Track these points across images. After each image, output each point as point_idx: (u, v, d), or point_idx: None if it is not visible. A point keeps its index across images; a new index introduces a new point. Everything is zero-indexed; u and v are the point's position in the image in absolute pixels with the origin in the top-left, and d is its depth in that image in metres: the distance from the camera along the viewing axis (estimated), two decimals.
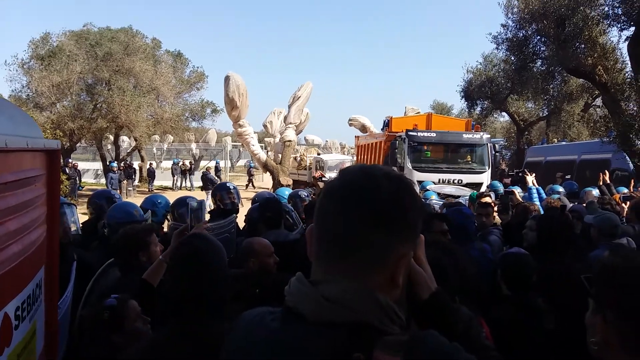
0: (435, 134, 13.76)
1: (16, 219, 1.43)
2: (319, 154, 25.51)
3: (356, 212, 0.83)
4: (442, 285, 1.03)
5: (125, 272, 2.74)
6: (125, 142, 31.67)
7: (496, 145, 13.30)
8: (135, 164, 25.10)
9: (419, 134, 13.63)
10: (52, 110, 19.66)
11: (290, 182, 18.56)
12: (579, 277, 1.28)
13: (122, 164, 21.92)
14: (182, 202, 4.07)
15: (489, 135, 13.87)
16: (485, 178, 12.80)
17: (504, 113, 24.13)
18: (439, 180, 12.46)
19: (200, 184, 27.12)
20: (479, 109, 22.23)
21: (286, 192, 5.86)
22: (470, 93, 20.61)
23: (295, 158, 24.72)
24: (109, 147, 29.01)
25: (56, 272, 1.91)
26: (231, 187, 4.71)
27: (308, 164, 23.25)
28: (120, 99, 18.79)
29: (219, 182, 20.04)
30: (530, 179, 6.83)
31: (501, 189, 8.60)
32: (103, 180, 20.90)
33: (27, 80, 19.53)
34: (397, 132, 14.48)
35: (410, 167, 13.17)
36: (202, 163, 33.78)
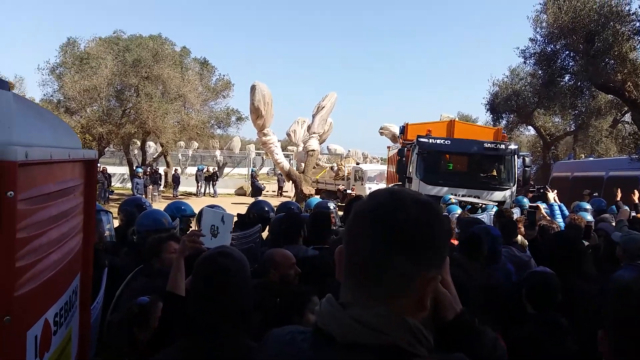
0: (450, 142, 11.98)
1: (57, 228, 1.48)
2: (357, 164, 25.50)
3: (384, 238, 0.84)
4: (463, 303, 1.04)
5: (151, 278, 2.81)
6: (152, 147, 32.21)
7: (527, 159, 11.69)
8: (161, 170, 25.49)
9: (431, 140, 11.94)
10: (82, 115, 20.13)
11: (313, 191, 18.61)
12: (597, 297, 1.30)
13: (148, 169, 22.27)
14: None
15: (516, 147, 11.90)
16: (507, 196, 11.06)
17: (530, 127, 23.78)
18: (452, 195, 10.69)
19: (230, 190, 27.72)
20: (504, 122, 21.91)
21: (316, 202, 5.87)
22: (495, 106, 20.38)
23: (332, 168, 24.76)
24: (136, 152, 29.53)
25: (90, 279, 1.97)
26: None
27: (346, 174, 23.21)
28: (148, 105, 19.13)
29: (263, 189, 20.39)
30: (552, 195, 6.72)
31: (527, 204, 8.48)
32: (129, 185, 21.29)
33: (58, 85, 20.06)
34: (413, 140, 12.89)
35: (418, 179, 11.66)
36: (226, 170, 34.18)
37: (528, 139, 29.90)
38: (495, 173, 12.03)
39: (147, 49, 19.96)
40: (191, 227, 4.33)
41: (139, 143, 26.83)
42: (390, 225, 0.85)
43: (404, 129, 14.41)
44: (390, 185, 9.07)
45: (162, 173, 25.12)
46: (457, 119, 14.11)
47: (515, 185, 11.44)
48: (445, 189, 11.06)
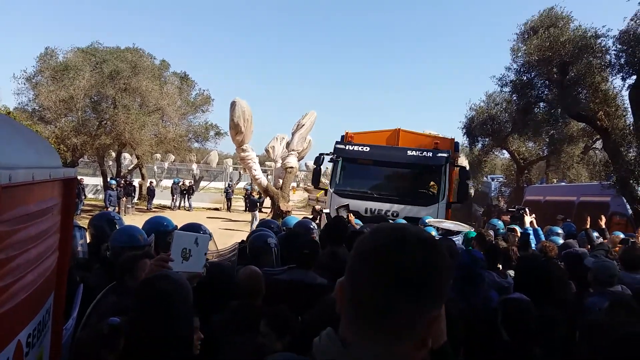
0: (368, 149, 10.50)
1: (34, 248, 1.47)
2: None
3: (387, 280, 0.84)
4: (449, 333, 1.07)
5: (123, 297, 2.77)
6: (127, 159, 31.78)
7: (466, 171, 9.93)
8: (136, 182, 25.13)
9: (349, 147, 10.64)
10: (57, 125, 19.78)
11: (290, 209, 18.57)
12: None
13: (122, 181, 21.94)
14: (190, 228, 4.06)
15: (446, 155, 9.97)
16: (433, 212, 9.34)
17: (504, 151, 24.33)
18: (366, 210, 9.59)
19: (206, 204, 27.43)
20: (479, 145, 22.42)
21: (294, 221, 5.81)
22: (472, 129, 20.83)
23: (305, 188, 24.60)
24: (111, 163, 29.09)
25: (64, 298, 1.94)
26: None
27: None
28: (125, 117, 18.94)
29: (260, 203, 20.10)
30: (529, 219, 6.78)
31: (501, 226, 8.59)
32: (102, 196, 20.90)
33: (34, 94, 19.72)
34: None
35: (332, 191, 10.42)
36: (202, 184, 33.89)
37: (502, 163, 30.49)
38: (419, 185, 10.55)
39: (126, 61, 19.84)
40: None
41: (114, 154, 26.46)
42: (394, 268, 0.84)
43: (343, 138, 12.50)
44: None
45: (137, 185, 24.76)
46: (402, 129, 12.13)
47: (446, 201, 9.71)
48: (362, 202, 9.74)
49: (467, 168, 16.36)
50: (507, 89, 14.50)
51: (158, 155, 29.36)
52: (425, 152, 10.13)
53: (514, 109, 15.43)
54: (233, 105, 16.36)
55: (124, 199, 21.12)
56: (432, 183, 10.05)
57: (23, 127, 1.81)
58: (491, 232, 7.83)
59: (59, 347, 1.95)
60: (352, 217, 6.74)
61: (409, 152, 10.13)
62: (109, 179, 21.96)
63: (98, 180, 27.69)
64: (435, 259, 0.87)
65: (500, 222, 8.98)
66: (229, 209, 26.44)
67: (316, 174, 11.09)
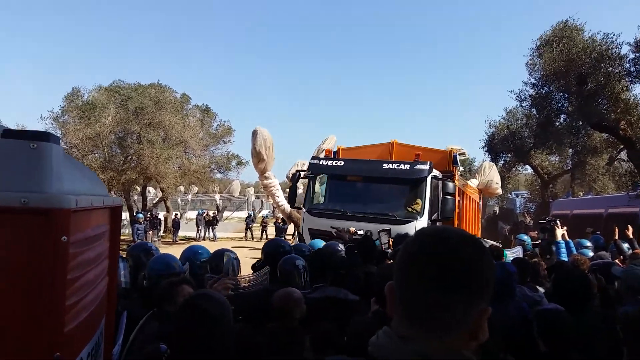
0: (342, 163, 9.73)
1: (92, 271, 1.57)
2: None
3: (436, 277, 0.89)
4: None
5: (164, 323, 2.85)
6: (152, 192, 32.34)
7: (449, 184, 8.86)
8: (161, 215, 25.51)
9: (322, 162, 9.90)
10: (85, 162, 20.33)
11: None
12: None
13: (148, 215, 22.31)
14: (220, 254, 4.18)
15: (425, 167, 8.97)
16: (412, 229, 8.15)
17: (527, 166, 24.09)
18: (337, 230, 8.63)
19: (230, 234, 27.68)
20: (502, 161, 22.26)
21: (321, 243, 5.88)
22: (493, 146, 20.73)
23: None
24: (136, 197, 29.63)
25: (113, 322, 2.04)
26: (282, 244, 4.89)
27: None
28: (150, 151, 19.40)
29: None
30: (560, 232, 6.68)
31: (529, 241, 8.50)
32: (128, 230, 21.25)
33: (61, 133, 20.36)
34: None
35: (305, 210, 9.75)
36: (226, 213, 34.20)
37: (526, 178, 30.14)
38: (397, 200, 9.49)
39: (149, 97, 20.41)
40: (208, 272, 4.37)
41: (139, 189, 26.97)
42: (442, 267, 0.89)
43: (336, 155, 11.82)
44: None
45: (162, 218, 25.12)
46: (396, 141, 11.35)
47: (427, 218, 8.81)
48: (334, 221, 8.94)
49: (477, 185, 15.82)
50: (526, 104, 14.46)
51: (182, 188, 29.84)
52: (402, 165, 9.25)
53: (535, 123, 15.33)
54: (254, 134, 16.63)
55: (151, 232, 21.43)
56: (416, 199, 9.07)
57: (74, 159, 1.94)
58: (519, 248, 7.79)
59: None
60: (392, 242, 6.62)
61: (385, 166, 9.32)
62: (135, 213, 22.34)
63: (125, 215, 28.19)
64: (480, 254, 0.92)
65: (527, 237, 8.88)
66: (251, 237, 26.58)
67: (292, 192, 10.33)
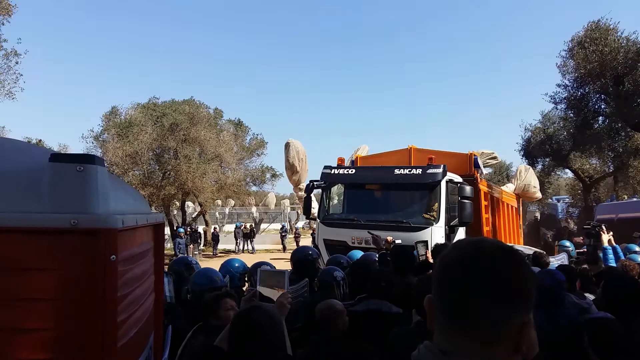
0: (354, 171, 9.58)
1: (140, 287, 1.61)
2: None
3: (474, 288, 0.89)
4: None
5: (210, 336, 2.89)
6: (190, 207, 32.98)
7: (466, 188, 8.42)
8: (200, 228, 25.97)
9: (334, 171, 9.56)
10: (125, 179, 20.96)
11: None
12: None
13: (187, 229, 22.74)
14: (257, 267, 4.22)
15: (438, 171, 8.65)
16: (428, 235, 8.15)
17: (567, 170, 23.38)
18: (352, 239, 8.61)
19: (267, 246, 27.95)
20: (540, 166, 21.70)
21: (358, 255, 5.86)
22: (530, 151, 20.25)
23: None
24: (175, 212, 30.29)
25: (161, 337, 2.08)
26: (309, 252, 4.91)
27: None
28: (187, 166, 19.82)
29: None
30: (607, 237, 6.43)
31: (572, 247, 8.22)
32: (169, 245, 21.70)
33: (102, 152, 21.07)
34: None
35: (319, 221, 9.49)
36: (263, 226, 34.54)
37: (567, 182, 29.29)
38: (411, 207, 9.20)
39: (184, 113, 20.90)
40: (246, 284, 4.43)
41: (178, 204, 27.55)
42: (480, 276, 0.89)
43: (354, 163, 11.61)
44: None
45: (202, 232, 25.57)
46: (414, 146, 11.00)
47: (444, 224, 8.51)
48: (348, 231, 8.80)
49: (514, 190, 15.22)
50: (561, 106, 14.13)
51: (219, 201, 30.33)
52: (414, 170, 8.91)
53: (572, 125, 14.93)
54: (287, 146, 16.82)
55: (191, 245, 21.81)
56: (431, 204, 8.77)
57: (117, 178, 2.00)
58: (564, 255, 7.53)
59: None
60: (429, 253, 6.50)
61: (397, 171, 8.95)
62: (176, 228, 22.82)
63: (165, 230, 28.78)
64: (518, 264, 0.91)
65: (569, 243, 8.57)
66: (283, 249, 26.69)
67: (306, 203, 10.08)
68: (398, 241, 7.82)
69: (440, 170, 8.62)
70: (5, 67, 11.97)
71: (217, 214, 34.23)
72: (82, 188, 1.20)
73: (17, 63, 12.07)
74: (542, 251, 6.85)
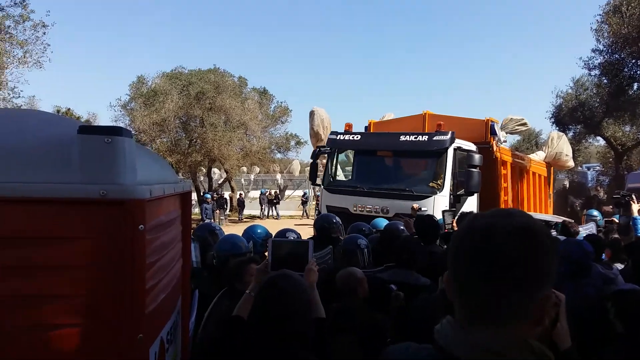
0: (359, 137, 9.32)
1: (167, 254, 1.66)
2: None
3: (488, 272, 0.87)
4: None
5: (233, 300, 2.97)
6: (217, 173, 33.39)
7: (474, 156, 8.21)
8: (226, 194, 26.38)
9: (340, 137, 9.42)
10: (152, 146, 21.31)
11: None
12: None
13: (214, 195, 23.12)
14: (282, 234, 4.27)
15: (445, 137, 8.33)
16: (429, 206, 7.98)
17: (598, 138, 22.72)
18: (354, 206, 8.56)
19: (292, 212, 28.35)
20: (571, 133, 21.14)
21: (383, 223, 5.86)
22: (561, 118, 19.71)
23: None
24: (202, 178, 30.75)
25: (189, 301, 2.15)
26: (334, 220, 4.92)
27: None
28: (213, 134, 20.05)
29: None
30: (637, 207, 6.26)
31: (600, 217, 8.06)
32: (197, 210, 22.14)
33: (129, 120, 21.40)
34: None
35: (323, 187, 9.40)
36: (287, 192, 34.85)
37: (598, 150, 28.47)
38: (415, 175, 9.04)
39: (209, 82, 20.97)
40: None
41: (204, 170, 27.95)
42: (492, 260, 0.86)
43: (367, 129, 11.43)
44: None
45: (228, 198, 25.96)
46: (429, 112, 10.54)
47: (449, 192, 8.28)
48: (351, 198, 8.69)
49: (544, 158, 14.61)
50: (595, 72, 13.61)
51: (244, 168, 30.63)
52: (420, 137, 8.65)
53: (605, 92, 14.40)
54: (312, 114, 16.75)
55: (218, 211, 22.20)
56: (436, 173, 8.50)
57: (147, 148, 2.04)
58: (592, 224, 7.39)
59: (187, 344, 2.16)
60: (455, 223, 6.45)
61: (402, 138, 8.71)
62: (202, 193, 23.23)
63: (192, 195, 29.32)
64: (532, 243, 0.87)
65: (597, 212, 8.40)
66: (306, 216, 26.89)
67: (312, 169, 9.92)
68: (424, 209, 7.81)
69: (448, 137, 8.35)
70: (34, 37, 12.15)
71: (242, 180, 34.58)
72: (111, 159, 1.22)
73: (44, 34, 12.23)
74: (571, 220, 6.74)
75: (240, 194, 27.42)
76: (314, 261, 2.54)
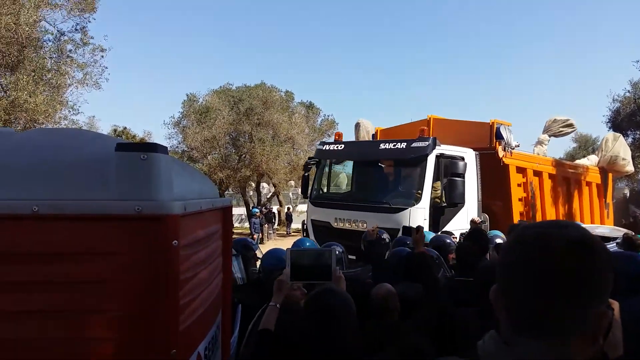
0: (343, 147, 8.79)
1: (205, 270, 1.67)
2: None
3: (542, 288, 0.84)
4: None
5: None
6: (265, 188, 33.91)
7: (458, 164, 7.69)
8: (274, 208, 26.69)
9: (326, 147, 8.98)
10: (204, 162, 21.93)
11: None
12: None
13: (262, 209, 23.45)
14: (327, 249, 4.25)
15: (426, 143, 7.69)
16: (403, 218, 7.26)
17: None
18: (335, 220, 8.00)
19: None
20: (630, 139, 20.10)
21: (430, 236, 5.75)
22: (618, 123, 18.80)
23: None
24: (251, 193, 31.29)
25: (230, 316, 2.15)
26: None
27: None
28: (261, 149, 20.43)
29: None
30: None
31: None
32: (246, 224, 22.53)
33: (182, 137, 22.14)
34: None
35: (309, 200, 8.99)
36: None
37: None
38: (394, 185, 8.47)
39: (258, 98, 21.44)
40: None
41: (253, 185, 28.44)
42: (547, 277, 0.83)
43: (374, 137, 10.99)
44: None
45: (276, 212, 26.25)
46: (434, 116, 9.99)
47: (429, 204, 7.55)
48: (334, 212, 8.16)
49: (597, 162, 13.15)
50: None
51: (292, 182, 30.95)
52: (398, 144, 7.99)
53: None
54: (357, 126, 16.65)
55: (266, 225, 22.50)
56: (415, 182, 7.82)
57: (185, 163, 2.08)
58: None
59: (228, 358, 2.16)
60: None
61: (382, 146, 8.17)
62: (251, 208, 23.63)
63: (242, 210, 29.89)
64: (587, 258, 0.84)
65: None
66: None
67: (303, 182, 9.36)
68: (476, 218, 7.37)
69: (427, 143, 7.70)
70: (92, 60, 12.90)
71: (290, 194, 34.91)
72: (146, 176, 1.24)
73: (102, 57, 12.97)
74: (631, 232, 6.34)
75: (288, 208, 27.66)
76: (338, 269, 2.50)
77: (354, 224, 7.75)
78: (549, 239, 0.86)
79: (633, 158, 19.96)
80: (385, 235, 5.46)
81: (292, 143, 22.67)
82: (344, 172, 9.67)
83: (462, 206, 7.95)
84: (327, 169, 9.44)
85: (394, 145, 8.03)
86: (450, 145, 8.23)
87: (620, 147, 13.61)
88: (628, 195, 24.84)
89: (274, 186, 25.74)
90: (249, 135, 21.53)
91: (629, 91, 19.11)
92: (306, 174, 9.25)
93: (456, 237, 6.97)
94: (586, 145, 29.03)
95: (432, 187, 7.72)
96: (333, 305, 1.97)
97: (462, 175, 7.68)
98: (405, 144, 7.94)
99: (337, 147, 8.90)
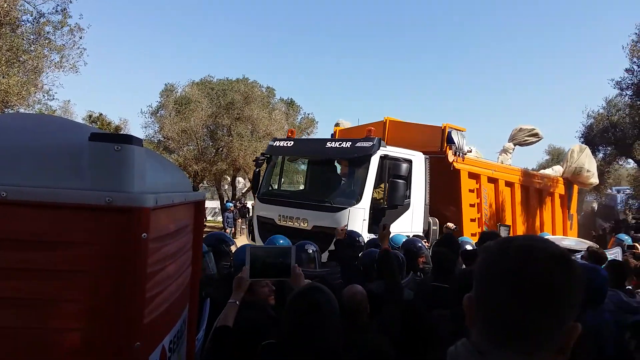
0: (292, 143, 8.87)
1: (174, 263, 1.66)
2: None
3: (521, 300, 0.85)
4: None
5: (244, 310, 2.97)
6: (241, 182, 33.70)
7: (401, 165, 7.67)
8: (249, 204, 26.55)
9: (276, 144, 9.06)
10: (180, 154, 21.67)
11: None
12: None
13: (237, 203, 23.30)
14: (301, 247, 4.27)
15: (371, 143, 7.66)
16: (341, 218, 7.29)
17: (630, 160, 22.12)
18: (279, 217, 8.07)
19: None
20: (601, 154, 20.68)
21: (402, 239, 5.83)
22: (591, 138, 19.32)
23: None
24: (226, 187, 31.06)
25: (196, 310, 2.15)
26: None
27: None
28: (239, 144, 20.31)
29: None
30: None
31: (630, 242, 7.87)
32: (219, 218, 22.35)
33: (159, 127, 21.84)
34: None
35: (256, 196, 9.03)
36: None
37: (629, 173, 27.71)
38: (336, 184, 8.56)
39: (239, 92, 21.30)
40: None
41: (229, 179, 28.26)
42: (526, 288, 0.85)
43: (332, 136, 11.00)
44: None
45: (250, 207, 26.10)
46: (390, 118, 10.08)
47: (368, 204, 7.50)
48: (278, 208, 8.20)
49: (562, 173, 13.18)
50: (628, 92, 13.27)
51: None
52: (344, 143, 8.08)
53: (638, 113, 13.99)
54: (337, 126, 16.75)
55: (240, 220, 22.37)
56: (357, 182, 7.81)
57: (160, 156, 2.06)
58: (618, 249, 7.19)
59: (193, 354, 2.16)
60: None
61: (328, 145, 8.22)
62: (225, 202, 23.47)
63: (215, 204, 29.66)
64: (567, 273, 0.86)
65: (628, 237, 8.18)
66: None
67: (254, 179, 9.38)
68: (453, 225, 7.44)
69: (372, 143, 7.66)
70: (70, 42, 12.51)
71: None
72: (119, 167, 1.24)
73: (80, 38, 12.57)
74: (596, 246, 6.54)
75: None
76: (297, 267, 2.52)
77: (296, 222, 7.77)
78: (534, 251, 0.87)
79: (603, 173, 20.52)
80: (360, 238, 5.51)
81: (271, 139, 22.61)
82: (304, 170, 9.62)
83: (407, 208, 8.00)
84: (277, 166, 9.43)
85: (340, 144, 8.10)
86: (398, 147, 8.23)
87: (585, 159, 13.60)
88: (596, 208, 25.51)
89: (250, 181, 25.63)
90: (228, 129, 21.39)
91: (603, 108, 19.67)
92: (257, 170, 9.24)
93: (427, 242, 7.08)
94: (559, 158, 29.70)
95: (378, 188, 7.76)
96: (319, 302, 1.97)
97: (405, 178, 7.73)
98: (350, 143, 7.98)
99: (287, 143, 8.93)
